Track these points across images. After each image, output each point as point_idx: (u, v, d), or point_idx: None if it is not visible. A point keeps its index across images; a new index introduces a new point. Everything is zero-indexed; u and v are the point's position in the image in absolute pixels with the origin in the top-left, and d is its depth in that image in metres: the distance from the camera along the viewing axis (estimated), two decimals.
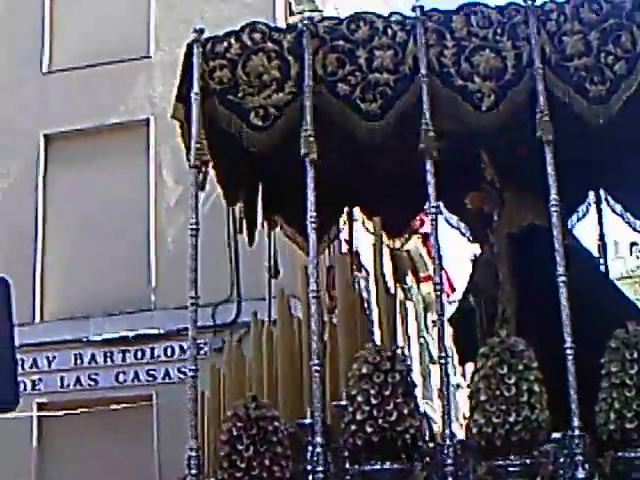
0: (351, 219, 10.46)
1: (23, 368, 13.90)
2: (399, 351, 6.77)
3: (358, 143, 7.87)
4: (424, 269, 19.86)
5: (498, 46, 7.46)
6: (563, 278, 6.85)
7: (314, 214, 7.28)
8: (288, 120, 7.51)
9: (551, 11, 7.52)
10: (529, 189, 8.18)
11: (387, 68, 7.48)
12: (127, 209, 14.93)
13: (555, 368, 6.67)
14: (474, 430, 6.46)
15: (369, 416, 6.49)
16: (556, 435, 6.64)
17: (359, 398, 6.57)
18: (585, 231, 9.95)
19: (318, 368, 6.95)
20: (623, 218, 9.72)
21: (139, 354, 14.34)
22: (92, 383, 14.36)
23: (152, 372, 14.30)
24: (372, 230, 9.70)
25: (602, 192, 9.87)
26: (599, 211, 9.93)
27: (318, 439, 6.81)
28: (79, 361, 14.42)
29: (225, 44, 7.77)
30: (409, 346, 19.85)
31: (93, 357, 14.43)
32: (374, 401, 6.50)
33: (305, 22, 7.66)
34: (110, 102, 15.20)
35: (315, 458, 6.78)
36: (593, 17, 7.45)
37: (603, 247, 9.88)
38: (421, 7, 7.60)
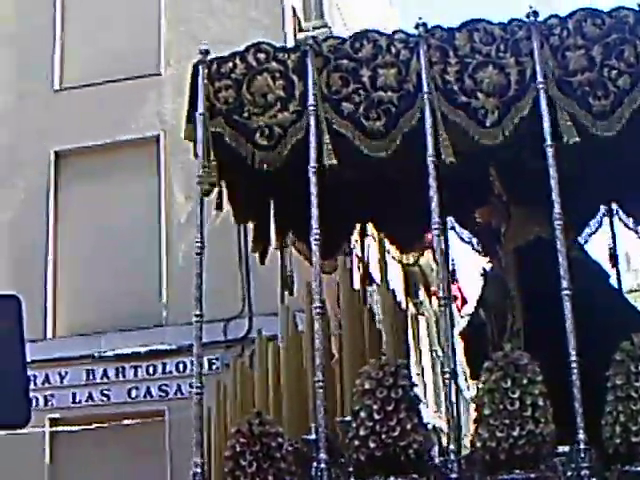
0: (363, 234, 10.46)
1: (35, 384, 13.96)
2: (402, 366, 6.74)
3: (364, 160, 7.90)
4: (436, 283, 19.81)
5: (501, 62, 7.48)
6: (567, 292, 6.84)
7: (318, 230, 7.33)
8: (293, 139, 7.53)
9: (554, 26, 7.53)
10: (535, 203, 8.16)
11: (391, 86, 7.52)
12: (138, 225, 14.97)
13: (564, 381, 6.67)
14: (478, 444, 6.45)
15: (372, 431, 6.51)
16: (563, 449, 6.62)
17: (362, 414, 6.59)
18: (598, 244, 9.91)
19: (322, 384, 6.98)
20: (637, 232, 9.67)
21: (151, 370, 14.35)
22: (104, 399, 14.38)
23: (164, 387, 14.30)
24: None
25: (614, 205, 9.79)
26: (611, 224, 9.86)
27: (322, 455, 6.84)
28: (91, 377, 14.43)
29: (230, 64, 7.87)
30: (420, 360, 19.82)
31: (105, 373, 14.45)
32: (377, 416, 6.53)
33: (309, 42, 7.70)
34: (120, 119, 15.26)
35: (319, 474, 6.82)
36: (596, 32, 7.45)
37: (615, 260, 9.82)
38: (424, 24, 7.62)
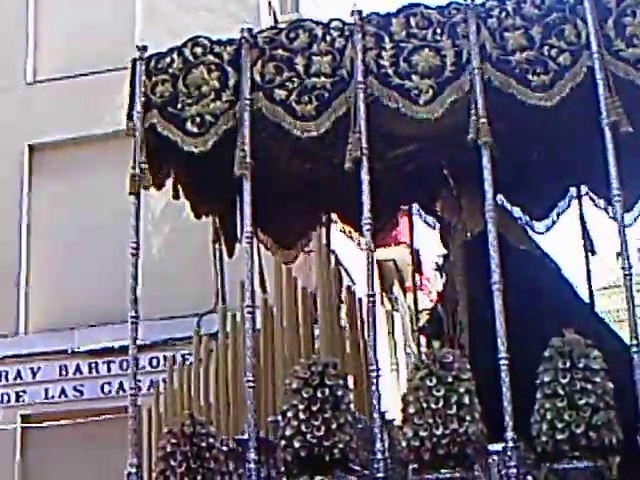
0: (329, 224, 10.35)
1: (7, 380, 13.99)
2: (331, 366, 6.65)
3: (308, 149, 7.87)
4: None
5: (437, 45, 7.34)
6: (498, 286, 6.72)
7: (250, 227, 7.27)
8: (223, 127, 7.50)
9: (492, 8, 7.37)
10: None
11: (324, 72, 7.42)
12: (112, 219, 14.89)
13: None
14: (403, 443, 6.32)
15: (297, 431, 6.39)
16: (496, 447, 6.53)
17: (289, 413, 6.48)
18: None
19: (252, 384, 6.90)
20: (606, 212, 9.47)
21: (124, 365, 14.24)
22: (77, 394, 14.35)
23: (137, 383, 14.21)
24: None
25: (583, 188, 9.62)
26: (580, 208, 9.69)
27: (252, 455, 6.75)
28: (64, 372, 14.40)
29: (168, 59, 7.83)
30: (396, 356, 19.73)
31: (78, 368, 14.41)
32: (302, 416, 6.40)
33: (244, 34, 7.63)
34: (95, 112, 15.17)
35: (248, 474, 6.74)
36: (535, 12, 7.31)
37: (589, 242, 9.62)
38: (359, 12, 7.54)
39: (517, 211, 9.47)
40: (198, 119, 7.56)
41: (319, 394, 6.46)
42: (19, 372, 14.24)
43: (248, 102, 7.45)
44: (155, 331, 13.82)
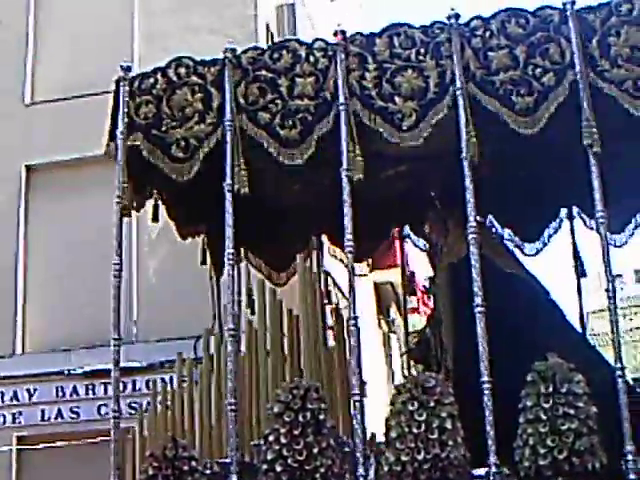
0: (320, 246, 10.34)
1: (3, 401, 13.94)
2: (313, 389, 6.62)
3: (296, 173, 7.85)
4: (409, 301, 19.67)
5: (421, 65, 7.31)
6: (480, 309, 6.69)
7: (232, 250, 7.26)
8: (207, 150, 7.49)
9: (476, 28, 7.35)
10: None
11: (308, 95, 7.40)
12: (108, 241, 14.84)
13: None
14: (385, 468, 6.29)
15: (279, 455, 6.38)
16: (479, 472, 6.48)
17: (270, 437, 6.47)
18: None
19: (234, 407, 6.87)
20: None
21: (121, 386, 14.16)
22: (74, 416, 14.26)
23: (134, 405, 14.16)
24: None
25: (575, 209, 9.59)
26: (572, 229, 9.66)
27: (234, 478, 6.72)
28: (60, 394, 14.30)
29: (152, 80, 7.82)
30: (393, 378, 19.65)
31: (75, 390, 14.34)
32: (284, 440, 6.39)
33: (227, 55, 7.62)
34: (92, 134, 15.08)
35: None
36: (520, 31, 7.29)
37: (580, 264, 9.58)
38: (343, 32, 7.52)
39: (508, 233, 9.44)
40: (183, 143, 7.54)
41: (301, 418, 6.45)
42: (15, 393, 14.18)
43: (231, 124, 7.41)
44: (152, 353, 13.81)
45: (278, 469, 6.36)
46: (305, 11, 17.23)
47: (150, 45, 15.59)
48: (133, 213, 14.88)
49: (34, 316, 14.85)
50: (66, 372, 14.32)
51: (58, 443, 13.81)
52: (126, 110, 7.70)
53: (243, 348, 7.96)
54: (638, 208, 9.12)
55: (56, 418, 14.28)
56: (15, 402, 14.19)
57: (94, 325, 14.39)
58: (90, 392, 14.29)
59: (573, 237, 9.47)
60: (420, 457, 6.16)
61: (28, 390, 14.29)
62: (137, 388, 14.20)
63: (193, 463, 6.80)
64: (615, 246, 9.03)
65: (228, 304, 7.11)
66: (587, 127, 6.91)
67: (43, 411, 14.29)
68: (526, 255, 9.40)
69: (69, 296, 14.71)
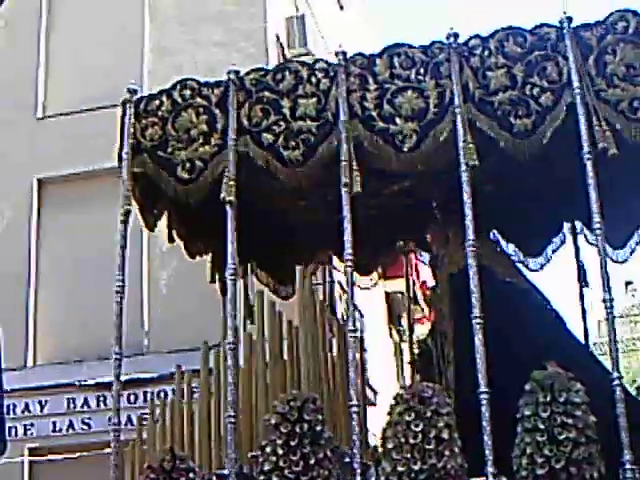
0: (330, 260, 10.38)
1: (15, 413, 13.98)
2: (310, 401, 6.63)
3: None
4: (419, 310, 19.64)
5: (421, 86, 7.39)
6: (478, 320, 6.69)
7: (232, 265, 7.32)
8: (214, 172, 7.56)
9: (475, 47, 7.43)
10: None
11: (310, 115, 7.50)
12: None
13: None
14: (382, 478, 6.32)
15: (275, 467, 6.42)
16: None
17: (267, 449, 6.51)
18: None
19: (233, 420, 6.92)
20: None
21: (132, 398, 14.27)
22: (85, 427, 14.35)
23: (146, 416, 14.19)
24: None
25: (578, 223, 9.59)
26: (575, 242, 9.66)
27: None
28: (72, 405, 14.41)
29: (157, 102, 7.97)
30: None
31: (86, 401, 14.41)
32: (280, 451, 6.42)
33: (231, 76, 7.68)
34: (103, 147, 15.17)
35: None
36: (518, 50, 7.36)
37: (583, 278, 9.57)
38: (344, 53, 7.58)
39: (512, 247, 9.47)
40: (188, 164, 7.66)
41: (297, 429, 6.49)
42: (27, 405, 14.29)
43: (234, 145, 7.50)
44: (164, 364, 13.82)
45: None
46: (314, 21, 17.27)
47: (160, 59, 15.74)
48: (143, 226, 15.16)
49: (45, 328, 14.96)
50: (77, 384, 14.38)
51: (70, 454, 13.81)
52: (132, 132, 7.81)
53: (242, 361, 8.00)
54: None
55: (67, 430, 14.39)
56: (27, 414, 14.28)
57: (105, 337, 14.36)
58: (101, 403, 14.35)
59: (576, 248, 9.44)
60: (416, 467, 6.20)
61: (40, 402, 14.39)
62: (149, 399, 14.19)
63: (191, 475, 6.85)
64: (618, 262, 9.05)
65: (229, 317, 7.11)
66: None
67: (55, 423, 14.40)
68: (531, 270, 9.41)
69: (80, 308, 14.78)
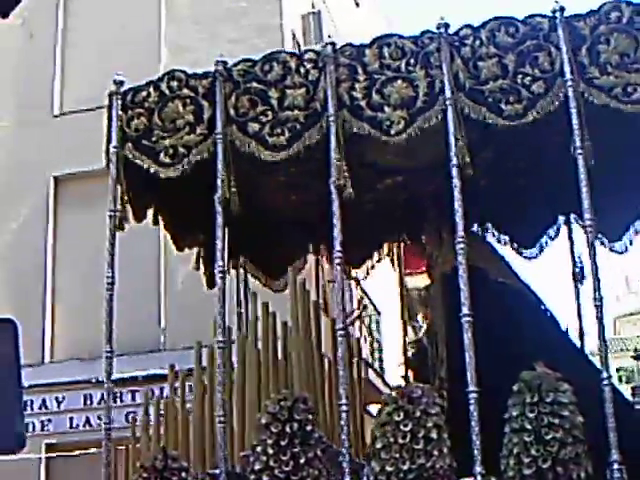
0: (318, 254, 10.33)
1: (32, 409, 14.09)
2: (301, 401, 6.65)
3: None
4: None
5: (411, 76, 7.29)
6: (468, 319, 6.66)
7: (221, 262, 7.33)
8: (197, 157, 7.54)
9: (466, 37, 7.32)
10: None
11: (298, 106, 7.42)
12: (137, 251, 15.01)
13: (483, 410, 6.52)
14: (371, 478, 6.33)
15: (266, 466, 6.42)
16: None
17: (258, 448, 6.51)
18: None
19: (223, 419, 6.91)
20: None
21: (149, 394, 14.31)
22: (102, 423, 14.38)
23: (162, 412, 14.28)
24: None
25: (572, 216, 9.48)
26: (570, 236, 9.56)
27: None
28: (88, 402, 14.50)
29: (144, 93, 7.90)
30: None
31: (103, 397, 14.43)
32: (271, 451, 6.43)
33: (218, 67, 7.67)
34: None
35: None
36: (509, 40, 7.25)
37: (581, 272, 9.47)
38: (333, 44, 7.54)
39: (505, 239, 9.44)
40: (171, 150, 7.62)
41: (288, 429, 6.47)
42: (44, 401, 14.39)
43: (221, 135, 7.46)
44: (180, 361, 13.85)
45: (265, 479, 6.40)
46: (330, 18, 17.27)
47: (176, 56, 15.74)
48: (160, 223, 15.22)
49: (62, 325, 15.05)
50: (94, 380, 14.44)
51: (86, 450, 13.90)
52: (119, 123, 7.76)
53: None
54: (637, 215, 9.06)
55: (84, 426, 14.46)
56: (44, 410, 14.39)
57: (122, 333, 14.50)
58: (118, 400, 14.39)
59: (571, 243, 9.38)
60: (405, 467, 6.17)
61: (57, 398, 14.49)
62: (165, 395, 14.26)
63: (183, 474, 6.86)
64: (617, 252, 9.00)
65: (218, 315, 7.12)
66: (577, 134, 6.88)
67: (71, 419, 14.50)
68: (526, 258, 9.37)
69: (97, 305, 14.78)
